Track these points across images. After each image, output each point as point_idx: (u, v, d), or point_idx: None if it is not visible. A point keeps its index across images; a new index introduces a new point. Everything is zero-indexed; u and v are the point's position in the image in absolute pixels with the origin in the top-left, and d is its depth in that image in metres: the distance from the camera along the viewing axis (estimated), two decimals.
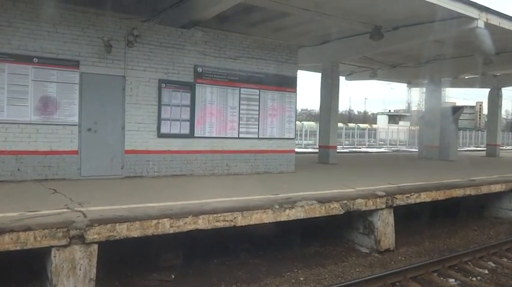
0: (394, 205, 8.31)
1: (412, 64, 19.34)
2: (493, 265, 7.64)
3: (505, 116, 66.52)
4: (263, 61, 11.56)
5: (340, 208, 7.56)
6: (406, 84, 28.64)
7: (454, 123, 19.40)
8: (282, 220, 6.88)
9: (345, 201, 7.66)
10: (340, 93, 16.39)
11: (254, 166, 11.55)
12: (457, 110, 20.55)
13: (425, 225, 9.90)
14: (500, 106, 23.94)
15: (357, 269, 7.05)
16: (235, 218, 6.35)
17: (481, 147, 40.36)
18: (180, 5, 10.89)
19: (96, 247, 5.25)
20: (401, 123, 61.23)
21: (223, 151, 11.06)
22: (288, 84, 12.07)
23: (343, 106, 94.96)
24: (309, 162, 15.77)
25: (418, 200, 8.86)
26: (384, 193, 8.32)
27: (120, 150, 9.72)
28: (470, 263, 7.59)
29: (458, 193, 9.78)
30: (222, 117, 11.02)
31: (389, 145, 41.44)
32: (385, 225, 8.07)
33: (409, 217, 9.49)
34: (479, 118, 77.29)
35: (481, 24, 10.94)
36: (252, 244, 7.68)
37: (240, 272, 6.74)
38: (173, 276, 6.41)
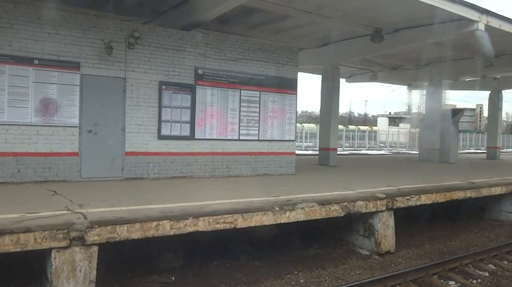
0: (395, 207, 8.30)
1: (412, 66, 19.35)
2: (494, 267, 7.62)
3: (505, 119, 66.64)
4: (263, 63, 11.58)
5: (341, 210, 7.56)
6: (406, 87, 28.66)
7: (454, 126, 19.41)
8: (282, 222, 6.88)
9: (345, 203, 7.66)
10: (340, 95, 16.43)
11: (254, 168, 11.56)
12: (457, 112, 20.60)
13: (426, 227, 9.90)
14: (501, 108, 23.94)
15: (357, 272, 7.04)
16: (235, 220, 6.35)
17: (481, 149, 40.39)
18: (181, 7, 10.91)
19: (96, 248, 5.25)
20: (401, 125, 61.14)
21: (224, 152, 11.06)
22: (289, 86, 12.08)
23: (343, 108, 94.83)
24: (309, 164, 15.77)
25: (418, 203, 8.86)
26: (384, 195, 8.32)
27: (121, 152, 9.73)
28: (470, 265, 7.57)
29: (459, 195, 9.77)
30: (222, 119, 11.02)
31: (390, 147, 41.48)
32: (385, 227, 8.07)
33: (409, 219, 9.49)
34: (480, 120, 77.19)
35: (481, 26, 10.95)
36: (252, 246, 7.67)
37: (240, 274, 6.73)
38: (173, 278, 6.40)
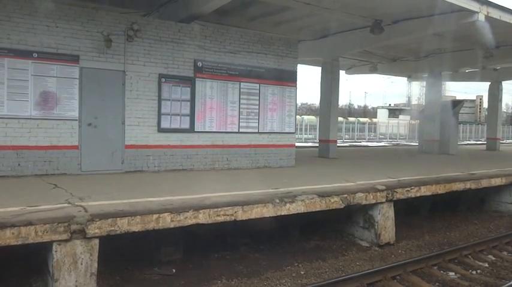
0: (394, 198, 8.32)
1: (412, 58, 19.30)
2: (493, 258, 7.67)
3: (505, 110, 66.58)
4: (263, 55, 11.54)
5: (341, 202, 7.58)
6: (406, 78, 28.59)
7: (454, 117, 19.39)
8: (283, 214, 6.90)
9: (345, 195, 7.67)
10: (340, 87, 16.38)
11: (254, 160, 11.56)
12: (457, 103, 20.54)
13: (425, 219, 9.95)
14: (501, 100, 23.92)
15: (357, 263, 7.08)
16: (235, 212, 6.37)
17: (481, 141, 40.40)
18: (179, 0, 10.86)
19: (97, 241, 5.27)
20: (401, 117, 61.20)
21: (224, 145, 11.06)
22: (288, 78, 12.05)
23: (343, 100, 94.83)
24: (309, 156, 15.78)
25: (418, 194, 8.88)
26: (384, 187, 8.34)
27: (121, 145, 9.73)
28: (470, 256, 7.62)
29: (458, 186, 9.79)
30: (222, 111, 11.01)
31: (390, 139, 41.47)
32: (385, 219, 8.09)
33: (409, 211, 9.52)
34: (480, 112, 77.20)
35: (481, 17, 10.90)
36: (253, 238, 7.70)
37: (241, 266, 6.76)
38: (174, 270, 6.43)
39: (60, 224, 5.01)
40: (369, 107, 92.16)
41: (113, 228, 5.36)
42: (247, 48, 11.31)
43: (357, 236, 8.39)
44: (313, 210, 7.27)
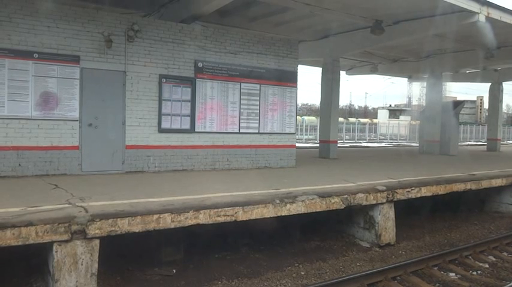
0: (395, 199, 8.32)
1: (412, 58, 19.30)
2: (494, 259, 7.66)
3: (505, 111, 66.61)
4: (263, 56, 11.54)
5: (341, 203, 7.58)
6: (406, 79, 28.59)
7: (454, 118, 19.39)
8: (283, 214, 6.90)
9: (346, 195, 7.67)
10: (340, 88, 16.40)
11: (255, 160, 11.56)
12: (457, 104, 20.54)
13: (426, 219, 9.94)
14: (501, 100, 23.91)
15: (358, 264, 7.07)
16: (236, 213, 6.37)
17: (481, 141, 40.38)
18: (180, 0, 10.86)
19: (97, 242, 5.27)
20: (402, 117, 61.22)
21: (224, 146, 11.06)
22: (289, 79, 12.05)
23: (343, 101, 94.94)
24: (310, 157, 15.77)
25: (418, 195, 8.87)
26: (384, 188, 8.33)
27: (121, 145, 9.73)
28: (470, 257, 7.62)
29: (459, 187, 9.78)
30: (222, 112, 11.01)
31: (390, 139, 41.42)
32: (385, 219, 8.09)
33: (409, 212, 9.51)
34: (480, 113, 77.24)
35: (482, 18, 10.91)
36: (253, 238, 7.70)
37: (241, 267, 6.76)
38: (174, 271, 6.43)
39: (60, 225, 5.01)
40: (370, 108, 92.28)
41: (113, 228, 5.36)
42: (247, 48, 11.31)
43: (358, 237, 8.39)
44: (314, 210, 7.26)
